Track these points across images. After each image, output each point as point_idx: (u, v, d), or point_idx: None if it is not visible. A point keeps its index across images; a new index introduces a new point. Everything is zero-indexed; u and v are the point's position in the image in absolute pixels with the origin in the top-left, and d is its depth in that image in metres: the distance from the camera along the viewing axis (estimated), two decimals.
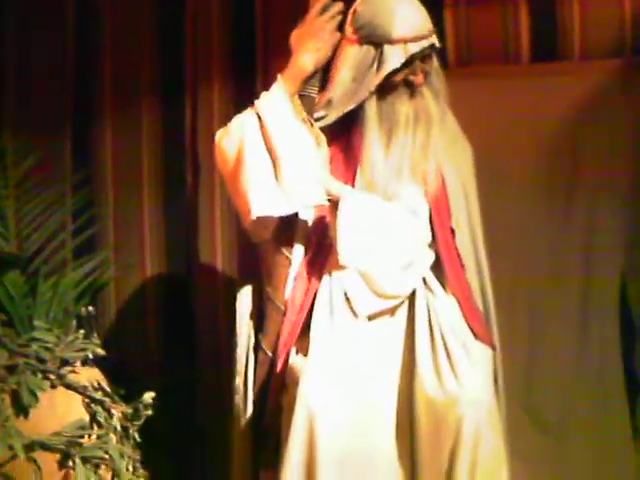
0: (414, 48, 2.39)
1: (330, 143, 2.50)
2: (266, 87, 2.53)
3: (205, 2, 3.36)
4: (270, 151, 2.42)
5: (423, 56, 2.42)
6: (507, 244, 2.87)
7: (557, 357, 3.06)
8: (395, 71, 2.41)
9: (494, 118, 3.00)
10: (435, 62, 2.48)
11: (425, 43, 2.41)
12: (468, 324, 2.49)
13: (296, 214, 2.48)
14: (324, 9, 2.47)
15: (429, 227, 2.51)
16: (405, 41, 2.39)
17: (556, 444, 3.02)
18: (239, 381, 2.55)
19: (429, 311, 2.46)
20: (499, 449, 2.36)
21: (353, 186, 2.49)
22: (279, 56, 3.00)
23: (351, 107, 2.45)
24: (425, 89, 2.45)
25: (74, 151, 3.45)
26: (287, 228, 2.50)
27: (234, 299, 2.61)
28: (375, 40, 2.41)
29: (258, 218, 2.42)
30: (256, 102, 2.46)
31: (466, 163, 2.60)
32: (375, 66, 2.41)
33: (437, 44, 2.45)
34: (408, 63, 2.41)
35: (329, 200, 2.44)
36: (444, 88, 2.49)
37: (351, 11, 2.46)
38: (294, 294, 2.49)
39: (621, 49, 3.03)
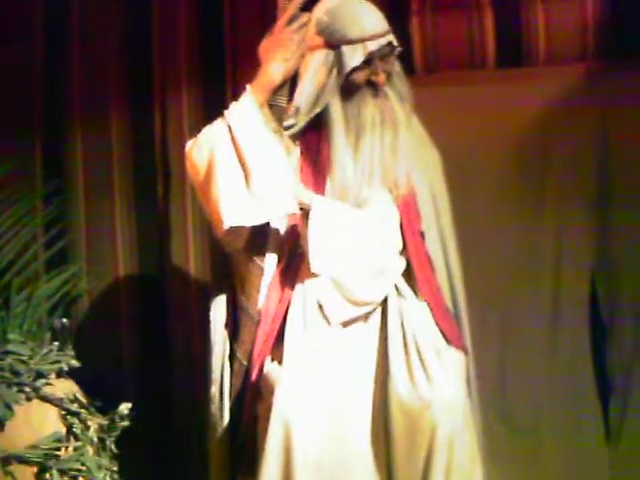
0: (373, 46, 2.44)
1: (300, 152, 2.53)
2: (235, 95, 2.54)
3: (173, 10, 3.35)
4: (241, 161, 2.43)
5: (383, 55, 2.46)
6: (477, 247, 2.89)
7: (528, 359, 3.08)
8: (356, 71, 2.45)
9: (461, 123, 3.02)
10: (397, 66, 2.52)
11: (383, 41, 2.45)
12: (440, 329, 2.51)
13: (268, 223, 2.49)
14: (292, 20, 2.48)
15: (400, 233, 2.53)
16: (363, 40, 2.43)
17: (529, 446, 3.04)
18: (215, 390, 2.56)
19: (402, 317, 2.48)
20: (474, 453, 2.39)
21: (323, 194, 2.50)
22: (248, 64, 3.00)
23: (317, 111, 2.48)
24: (389, 91, 2.49)
25: (44, 163, 3.44)
26: (259, 237, 2.51)
27: (208, 308, 2.62)
28: (334, 42, 2.45)
29: (231, 228, 2.43)
30: (225, 112, 2.47)
31: (434, 166, 2.63)
32: (336, 68, 2.45)
33: (395, 43, 2.49)
34: (368, 62, 2.45)
35: (300, 209, 2.46)
36: (408, 92, 2.53)
37: (311, 19, 2.49)
38: (267, 304, 2.51)
39: (584, 54, 3.06)
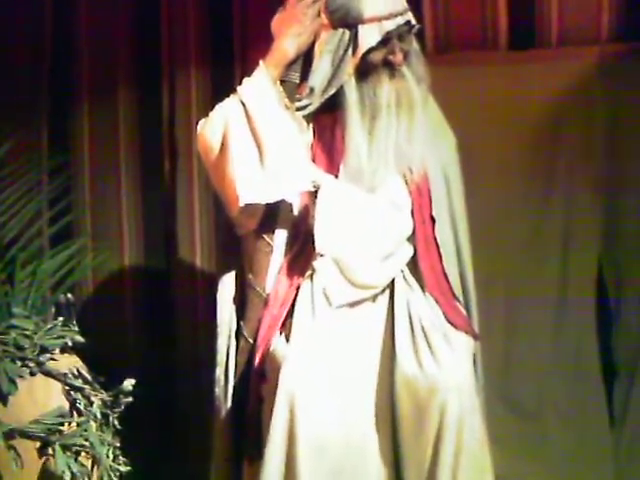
0: (389, 25, 2.39)
1: (313, 133, 2.50)
2: (244, 74, 2.52)
3: None
4: (255, 137, 2.40)
5: (400, 35, 2.42)
6: (485, 230, 2.86)
7: (534, 343, 3.07)
8: (373, 51, 2.41)
9: (472, 104, 3.00)
10: (415, 44, 2.48)
11: (400, 20, 2.41)
12: (447, 318, 2.48)
13: (278, 202, 2.46)
14: None
15: (410, 219, 2.50)
16: (379, 19, 2.39)
17: (533, 430, 3.04)
18: (220, 372, 2.54)
19: (408, 302, 2.46)
20: (482, 435, 2.37)
21: (337, 176, 2.48)
22: (257, 43, 2.99)
23: (331, 92, 2.44)
24: (406, 71, 2.44)
25: (50, 138, 3.44)
26: (269, 215, 2.49)
27: (214, 286, 2.61)
28: (349, 22, 2.40)
29: (245, 206, 2.41)
30: (239, 88, 2.45)
31: (449, 150, 2.60)
32: (351, 48, 2.41)
33: (413, 22, 2.45)
34: (385, 42, 2.40)
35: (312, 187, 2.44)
36: (425, 73, 2.48)
37: None
38: (277, 288, 2.48)
39: (598, 36, 3.05)
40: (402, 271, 2.50)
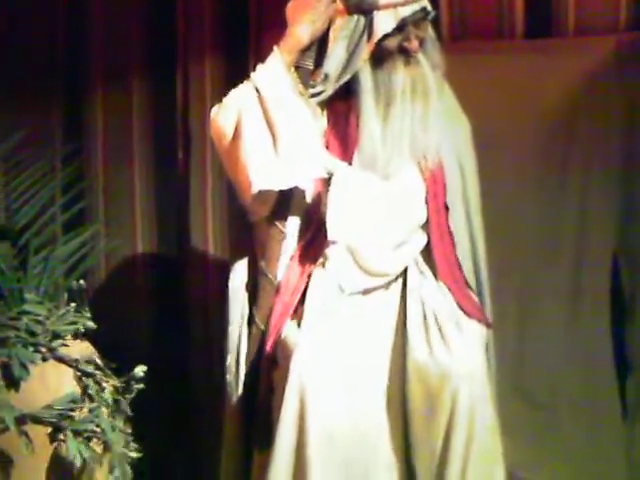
0: (405, 12, 2.38)
1: (327, 120, 2.49)
2: (258, 62, 2.51)
3: None
4: (269, 123, 2.39)
5: (416, 22, 2.41)
6: (499, 222, 2.84)
7: (547, 335, 3.05)
8: (388, 37, 2.40)
9: (488, 93, 2.98)
10: (431, 31, 2.47)
11: (416, 6, 2.40)
12: (460, 306, 2.47)
13: (291, 189, 2.46)
14: None
15: (424, 207, 2.49)
16: (395, 5, 2.38)
17: (545, 421, 3.02)
18: (231, 360, 2.54)
19: (420, 292, 2.45)
20: (494, 423, 2.37)
21: (350, 163, 2.47)
22: (271, 31, 2.99)
23: (346, 78, 2.43)
24: (422, 58, 2.44)
25: (64, 124, 3.44)
26: (282, 202, 2.49)
27: (226, 273, 2.60)
28: (365, 8, 2.40)
29: (259, 193, 2.41)
30: (252, 74, 2.44)
31: (464, 138, 2.59)
32: (366, 34, 2.40)
33: (429, 8, 2.43)
34: (401, 28, 2.40)
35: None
36: (441, 60, 2.47)
37: None
38: (289, 275, 2.48)
39: (616, 25, 3.02)
40: (415, 259, 2.49)
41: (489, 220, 2.64)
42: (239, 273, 2.58)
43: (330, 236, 2.42)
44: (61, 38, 3.44)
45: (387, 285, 2.48)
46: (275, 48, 2.45)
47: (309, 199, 2.50)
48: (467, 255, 2.57)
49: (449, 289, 2.48)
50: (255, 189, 2.40)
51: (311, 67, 2.48)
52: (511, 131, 3.03)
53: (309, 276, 2.47)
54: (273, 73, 2.43)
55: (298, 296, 2.46)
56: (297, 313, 2.45)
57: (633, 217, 3.04)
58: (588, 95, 3.01)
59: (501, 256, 2.81)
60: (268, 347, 2.45)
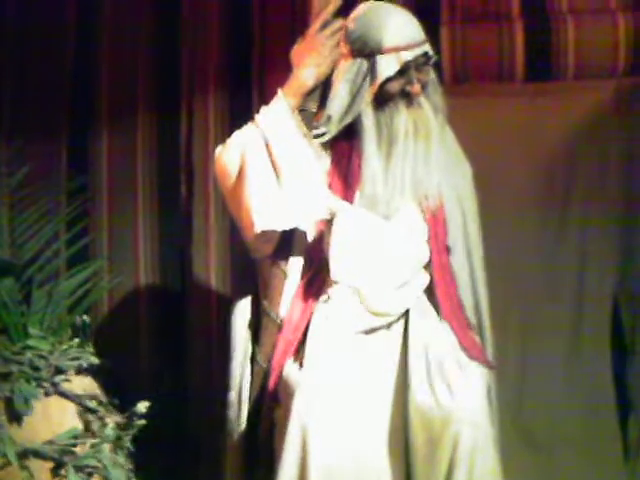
0: (407, 56, 2.41)
1: (330, 161, 2.51)
2: (262, 101, 2.54)
3: (202, 16, 3.37)
4: (273, 165, 2.42)
5: (418, 66, 2.44)
6: (501, 262, 2.87)
7: (548, 375, 3.07)
8: (390, 81, 2.42)
9: (488, 135, 3.02)
10: (432, 75, 2.50)
11: (418, 51, 2.43)
12: (462, 347, 2.47)
13: (293, 229, 2.48)
14: (325, 25, 2.48)
15: (426, 247, 2.51)
16: (397, 50, 2.40)
17: (546, 462, 3.02)
18: (233, 395, 2.54)
19: (423, 332, 2.45)
20: (495, 467, 2.35)
21: (352, 202, 2.49)
22: (275, 71, 3.03)
23: (349, 121, 2.46)
24: (424, 101, 2.46)
25: (70, 160, 3.45)
26: (285, 242, 2.51)
27: (229, 310, 2.62)
28: (368, 52, 2.42)
29: (261, 232, 2.43)
30: (257, 116, 2.47)
31: (465, 180, 2.61)
32: (369, 77, 2.43)
33: (431, 53, 2.46)
34: (403, 72, 2.42)
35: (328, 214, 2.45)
36: (442, 103, 2.50)
37: (344, 26, 2.48)
38: (291, 313, 2.49)
39: (614, 70, 3.06)
40: (418, 298, 2.51)
41: (490, 259, 2.65)
42: (241, 311, 2.59)
43: (333, 276, 2.43)
44: (67, 74, 3.46)
45: (388, 325, 2.49)
46: (279, 91, 2.48)
47: (310, 239, 2.51)
48: (468, 294, 2.57)
49: (452, 329, 2.49)
50: (258, 229, 2.42)
51: (315, 110, 2.51)
52: (512, 172, 3.06)
53: (311, 314, 2.48)
54: (277, 115, 2.46)
55: (300, 333, 2.47)
56: (299, 351, 2.46)
57: (633, 256, 3.06)
58: (587, 137, 3.05)
59: (502, 295, 2.83)
60: (270, 385, 2.45)
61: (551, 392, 3.05)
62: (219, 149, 2.50)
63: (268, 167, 2.42)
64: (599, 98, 3.03)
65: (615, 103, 3.02)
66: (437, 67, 2.57)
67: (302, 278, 2.52)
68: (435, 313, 2.51)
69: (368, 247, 2.46)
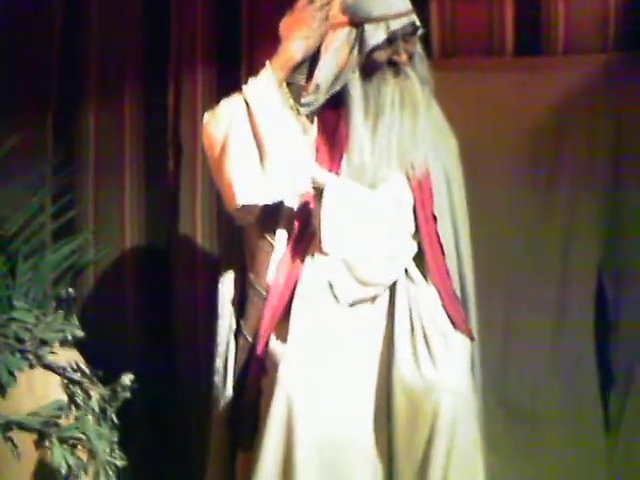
0: (395, 25, 2.43)
1: (317, 130, 2.52)
2: (250, 72, 2.54)
3: None
4: (256, 138, 2.42)
5: (405, 35, 2.46)
6: (487, 233, 2.88)
7: (532, 347, 3.07)
8: (378, 50, 2.44)
9: (476, 109, 3.01)
10: (419, 48, 2.51)
11: (406, 20, 2.45)
12: (448, 314, 2.50)
13: (280, 201, 2.48)
14: None
15: (413, 217, 2.52)
16: (386, 18, 2.43)
17: (529, 434, 3.04)
18: (219, 363, 2.56)
19: (410, 300, 2.48)
20: (475, 437, 2.38)
21: (339, 173, 2.49)
22: (264, 41, 3.02)
23: (336, 89, 2.47)
24: (410, 72, 2.48)
25: (55, 133, 3.44)
26: (271, 214, 2.51)
27: (215, 284, 2.62)
28: (357, 20, 2.44)
29: (243, 205, 2.42)
30: (244, 88, 2.46)
31: (450, 151, 2.63)
32: (357, 47, 2.45)
33: (418, 23, 2.48)
34: (391, 42, 2.44)
35: (314, 188, 2.46)
36: (429, 76, 2.52)
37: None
38: (277, 280, 2.50)
39: (604, 44, 3.05)
40: (407, 267, 2.52)
41: (476, 232, 2.67)
42: (227, 284, 2.60)
43: (325, 249, 2.44)
44: (55, 47, 3.44)
45: (373, 298, 2.50)
46: (267, 63, 2.47)
47: (297, 212, 2.51)
48: (454, 266, 2.60)
49: (438, 292, 2.51)
50: (239, 203, 2.42)
51: (303, 83, 2.50)
52: (499, 146, 3.06)
53: (297, 279, 2.49)
54: (264, 88, 2.45)
55: (286, 300, 2.49)
56: (283, 326, 2.46)
57: (619, 234, 3.07)
58: (576, 112, 3.04)
59: (488, 268, 2.84)
60: (259, 351, 2.47)
61: (534, 365, 3.06)
62: (206, 117, 2.49)
63: (251, 140, 2.42)
64: (588, 73, 3.02)
65: (605, 78, 3.01)
66: (426, 41, 2.57)
67: (287, 245, 2.53)
68: (423, 278, 2.52)
69: (357, 218, 2.47)
